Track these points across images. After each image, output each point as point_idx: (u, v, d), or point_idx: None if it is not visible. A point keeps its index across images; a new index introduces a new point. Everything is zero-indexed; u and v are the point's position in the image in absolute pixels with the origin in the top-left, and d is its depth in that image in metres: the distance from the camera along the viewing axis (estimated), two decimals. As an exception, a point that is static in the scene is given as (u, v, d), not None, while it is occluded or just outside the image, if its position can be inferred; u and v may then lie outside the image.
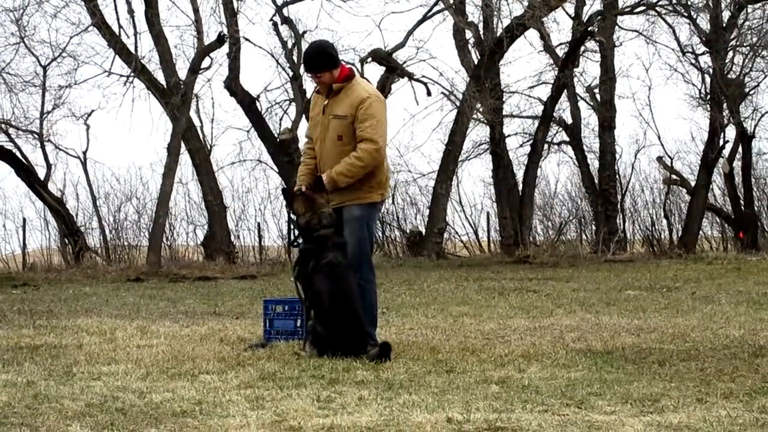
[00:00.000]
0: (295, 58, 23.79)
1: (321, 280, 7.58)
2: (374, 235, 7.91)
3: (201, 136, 24.48)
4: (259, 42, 33.46)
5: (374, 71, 24.51)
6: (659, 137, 27.65)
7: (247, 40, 23.91)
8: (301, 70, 23.70)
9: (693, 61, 25.66)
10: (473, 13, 25.07)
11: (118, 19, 22.58)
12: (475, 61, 24.77)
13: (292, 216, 7.97)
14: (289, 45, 23.99)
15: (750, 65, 25.58)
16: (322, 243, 7.68)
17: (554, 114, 25.84)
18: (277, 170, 24.81)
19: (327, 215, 7.75)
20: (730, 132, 25.88)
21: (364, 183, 7.76)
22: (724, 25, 24.76)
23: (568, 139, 27.08)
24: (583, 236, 27.34)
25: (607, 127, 25.74)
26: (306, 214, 7.80)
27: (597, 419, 5.25)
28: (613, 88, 25.94)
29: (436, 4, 23.66)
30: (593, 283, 15.66)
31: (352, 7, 23.36)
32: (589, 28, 24.37)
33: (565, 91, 25.79)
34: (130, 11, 22.42)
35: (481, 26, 24.86)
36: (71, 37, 23.37)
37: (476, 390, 6.11)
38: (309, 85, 24.10)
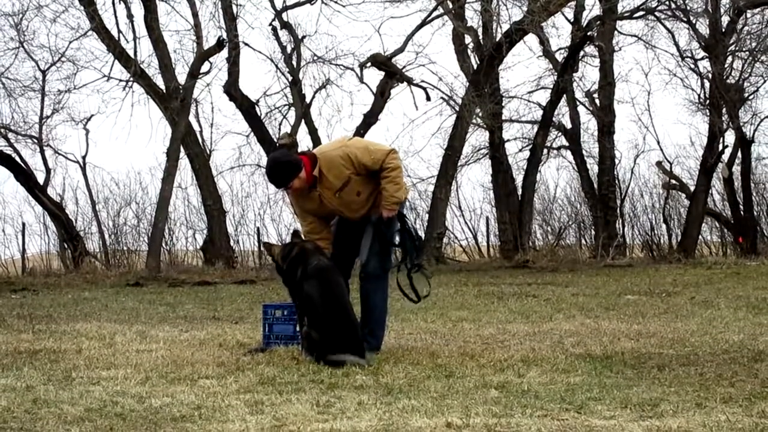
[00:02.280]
0: (294, 62, 23.81)
1: (310, 286, 7.59)
2: (395, 237, 7.98)
3: (200, 141, 24.50)
4: (259, 47, 33.58)
5: (373, 76, 24.57)
6: (658, 142, 27.77)
7: (246, 44, 23.97)
8: (300, 75, 23.78)
9: (692, 66, 25.70)
10: (472, 18, 25.14)
11: (117, 23, 22.64)
12: (475, 66, 24.78)
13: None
14: (289, 50, 24.01)
15: (749, 70, 25.60)
16: (302, 249, 7.73)
17: (553, 119, 25.85)
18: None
19: (297, 239, 7.94)
20: (730, 137, 25.93)
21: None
22: (723, 30, 24.77)
23: (567, 144, 27.09)
24: (583, 241, 27.34)
25: (606, 131, 25.75)
26: (281, 252, 7.93)
27: (596, 424, 5.25)
28: (613, 92, 25.96)
29: (435, 9, 23.68)
30: (592, 287, 15.65)
31: (351, 11, 23.44)
32: (588, 33, 24.38)
33: (565, 95, 25.80)
34: (130, 16, 22.44)
35: (480, 31, 24.87)
36: (70, 42, 23.46)
37: (475, 395, 6.11)
38: (308, 89, 24.20)
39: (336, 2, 23.22)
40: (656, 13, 24.39)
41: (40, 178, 24.31)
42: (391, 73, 23.89)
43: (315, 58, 24.01)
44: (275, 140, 23.71)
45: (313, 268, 7.61)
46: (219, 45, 22.51)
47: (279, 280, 8.43)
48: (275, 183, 7.97)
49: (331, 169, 7.69)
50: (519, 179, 25.74)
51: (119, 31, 22.60)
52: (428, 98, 24.68)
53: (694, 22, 24.50)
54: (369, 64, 23.79)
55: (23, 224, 25.52)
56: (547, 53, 25.79)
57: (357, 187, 7.74)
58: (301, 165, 7.68)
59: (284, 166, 7.71)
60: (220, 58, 23.32)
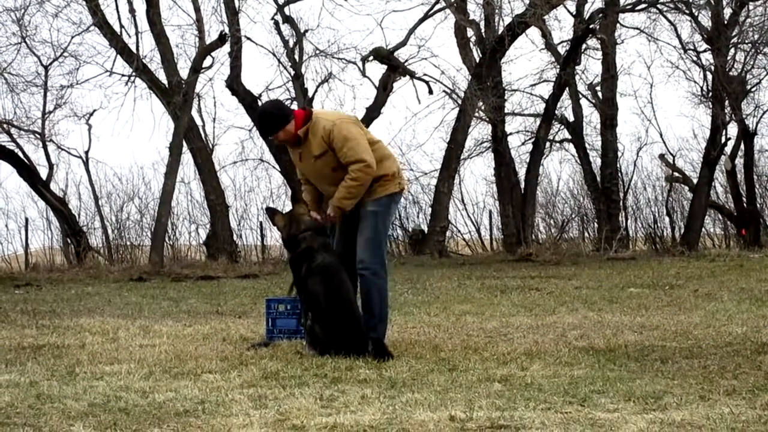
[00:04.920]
0: (296, 56, 23.80)
1: (315, 283, 7.59)
2: (389, 229, 7.92)
3: (203, 136, 24.51)
4: (261, 41, 33.64)
5: (376, 70, 24.58)
6: (661, 135, 27.73)
7: (248, 39, 23.95)
8: (303, 69, 23.77)
9: (695, 59, 25.67)
10: (475, 11, 25.12)
11: (119, 18, 22.63)
12: (477, 59, 24.77)
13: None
14: (291, 44, 24.00)
15: (752, 62, 25.56)
16: (308, 247, 7.72)
17: (556, 112, 25.85)
18: (279, 169, 24.85)
19: (306, 221, 7.84)
20: (732, 129, 25.94)
21: (376, 180, 7.75)
22: (726, 22, 24.74)
23: (570, 137, 27.10)
24: (586, 234, 27.37)
25: (609, 124, 25.76)
26: (286, 226, 7.88)
27: (600, 417, 5.24)
28: (615, 85, 25.97)
29: (437, 2, 23.66)
30: (596, 280, 15.65)
31: (353, 5, 23.56)
32: (590, 26, 24.36)
33: (567, 88, 25.79)
34: (132, 11, 22.45)
35: (482, 24, 24.87)
36: (72, 37, 23.43)
37: (479, 388, 6.11)
38: (311, 84, 24.19)
39: (338, -4, 23.24)
40: (658, 6, 24.37)
41: (43, 173, 24.35)
42: (393, 66, 23.89)
43: (317, 52, 24.01)
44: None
45: (318, 265, 7.61)
46: (221, 39, 22.51)
47: (285, 268, 8.42)
48: (260, 131, 8.44)
49: (315, 134, 7.72)
50: (522, 172, 25.75)
51: (121, 26, 22.63)
52: (431, 92, 24.69)
53: (696, 14, 24.48)
54: (371, 57, 23.79)
55: (26, 219, 25.58)
56: (550, 46, 25.77)
57: (333, 163, 7.73)
58: (290, 119, 7.73)
59: (271, 117, 7.82)
60: (223, 53, 23.36)
